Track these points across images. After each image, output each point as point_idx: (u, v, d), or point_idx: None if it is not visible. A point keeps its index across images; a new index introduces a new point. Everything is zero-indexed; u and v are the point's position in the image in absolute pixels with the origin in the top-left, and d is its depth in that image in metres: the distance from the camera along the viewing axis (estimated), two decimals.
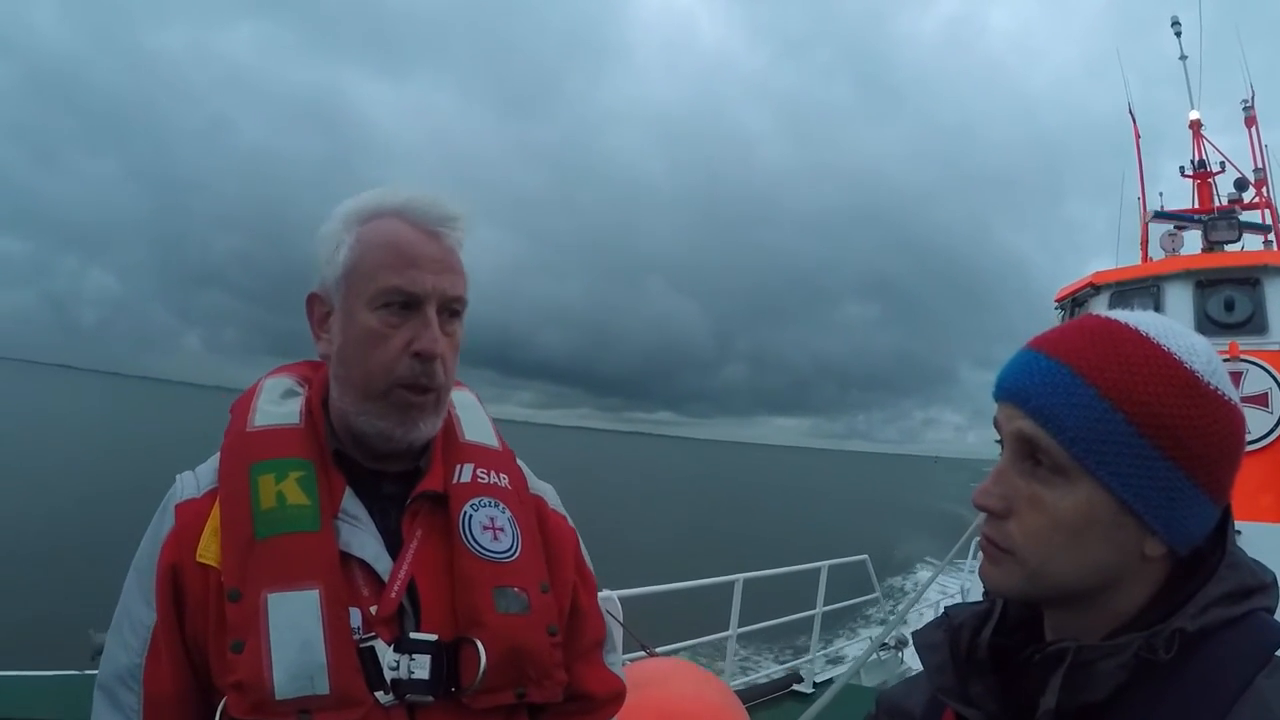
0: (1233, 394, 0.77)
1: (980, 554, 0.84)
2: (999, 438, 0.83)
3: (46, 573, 15.10)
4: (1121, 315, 0.80)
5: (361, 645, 1.01)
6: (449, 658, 1.05)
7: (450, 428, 1.23)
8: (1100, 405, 0.74)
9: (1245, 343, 6.01)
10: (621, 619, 3.56)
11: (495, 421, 1.31)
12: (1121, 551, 0.76)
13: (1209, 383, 0.75)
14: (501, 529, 1.14)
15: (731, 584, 5.88)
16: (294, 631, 0.97)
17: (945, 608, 0.93)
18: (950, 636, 0.87)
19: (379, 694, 1.00)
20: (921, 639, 0.90)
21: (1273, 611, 0.77)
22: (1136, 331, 0.77)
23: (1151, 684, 0.72)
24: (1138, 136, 9.53)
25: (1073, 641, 0.76)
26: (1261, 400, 5.62)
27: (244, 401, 1.17)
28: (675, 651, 4.85)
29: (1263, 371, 5.72)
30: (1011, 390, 0.80)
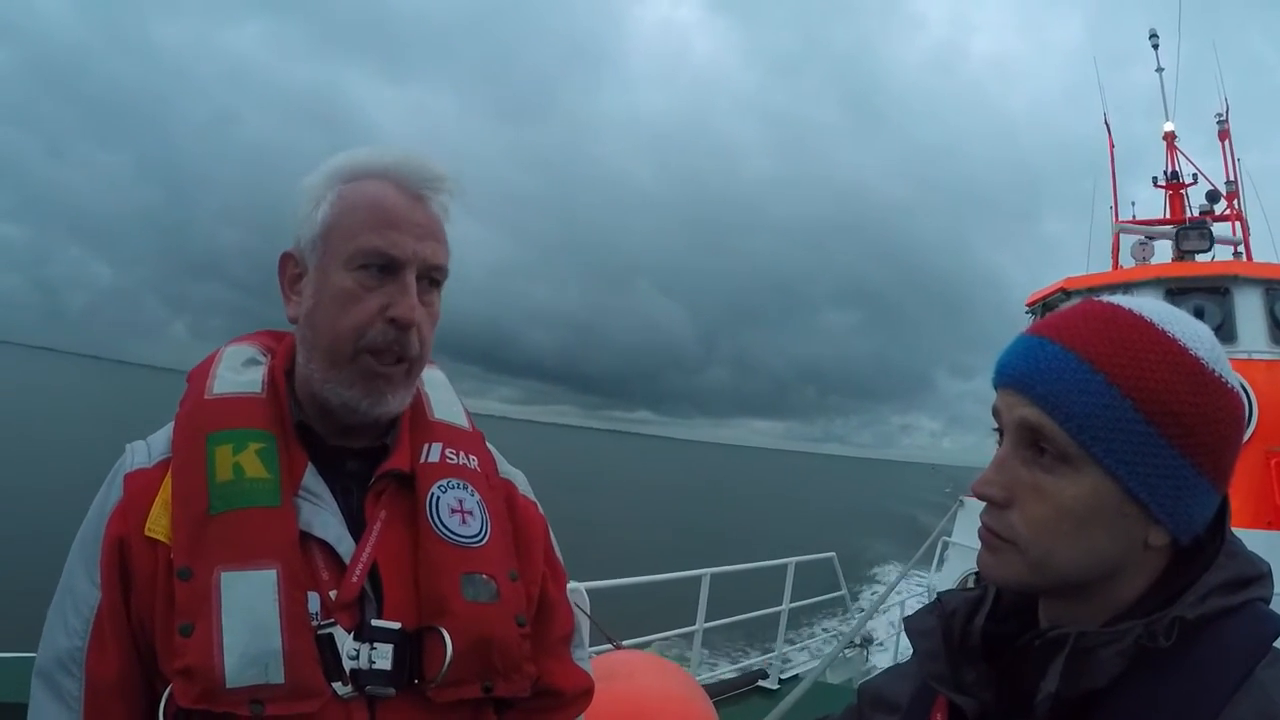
0: (1234, 381, 0.76)
1: (980, 544, 0.81)
2: (997, 425, 0.81)
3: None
4: (1124, 301, 0.79)
5: (319, 632, 0.95)
6: (412, 648, 0.99)
7: (419, 405, 1.17)
8: (1108, 392, 0.72)
9: None
10: (589, 611, 3.52)
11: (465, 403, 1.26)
12: (1125, 541, 0.75)
13: (1214, 370, 0.74)
14: (470, 512, 1.09)
15: (699, 578, 5.87)
16: (248, 614, 0.90)
17: (938, 593, 0.91)
18: (943, 623, 0.86)
19: (336, 685, 0.94)
20: (914, 625, 0.89)
21: (1268, 601, 0.76)
22: (1142, 318, 0.75)
23: (1151, 672, 0.71)
24: (1112, 146, 9.67)
25: (1073, 628, 0.74)
26: None
27: (202, 369, 1.11)
28: (642, 645, 4.83)
29: None
30: (1014, 376, 0.78)
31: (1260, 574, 0.76)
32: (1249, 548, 0.78)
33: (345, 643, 0.96)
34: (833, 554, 7.93)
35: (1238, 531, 0.79)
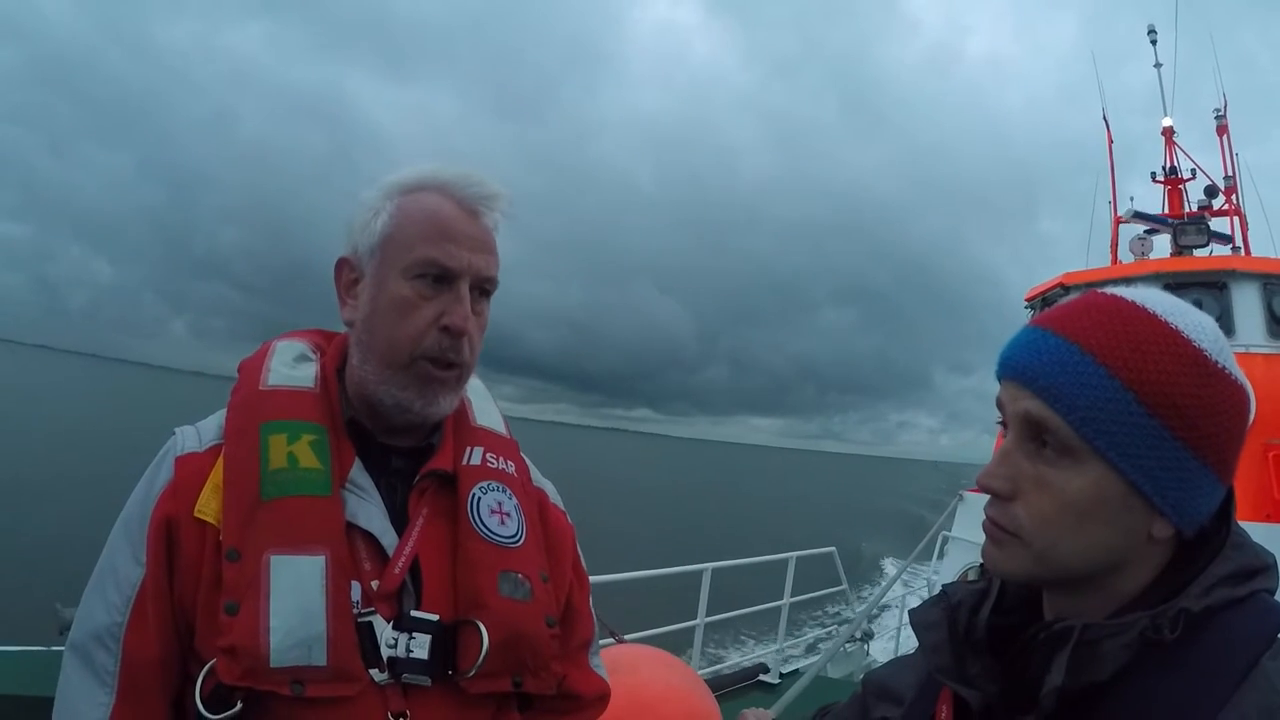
0: (1238, 372, 0.76)
1: (984, 537, 0.81)
2: (1001, 418, 0.81)
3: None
4: (1127, 293, 0.78)
5: (360, 620, 0.98)
6: (448, 639, 1.02)
7: (462, 410, 1.22)
8: (1110, 385, 0.72)
9: None
10: (591, 606, 3.53)
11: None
12: (1129, 533, 0.75)
13: (1217, 361, 0.74)
14: (508, 514, 1.13)
15: (700, 573, 5.88)
16: (295, 597, 0.93)
17: (942, 586, 0.91)
18: (948, 615, 0.86)
19: (373, 672, 0.97)
20: (919, 617, 0.89)
21: (1273, 593, 0.76)
22: (1144, 309, 0.75)
23: (1156, 664, 0.71)
24: (1110, 141, 9.67)
25: (1078, 620, 0.74)
26: None
27: (255, 361, 1.14)
28: (644, 639, 4.83)
29: None
30: (1017, 369, 0.78)
31: (1266, 565, 0.77)
32: None
33: (384, 631, 0.99)
34: (833, 548, 7.93)
35: (1247, 527, 0.79)
